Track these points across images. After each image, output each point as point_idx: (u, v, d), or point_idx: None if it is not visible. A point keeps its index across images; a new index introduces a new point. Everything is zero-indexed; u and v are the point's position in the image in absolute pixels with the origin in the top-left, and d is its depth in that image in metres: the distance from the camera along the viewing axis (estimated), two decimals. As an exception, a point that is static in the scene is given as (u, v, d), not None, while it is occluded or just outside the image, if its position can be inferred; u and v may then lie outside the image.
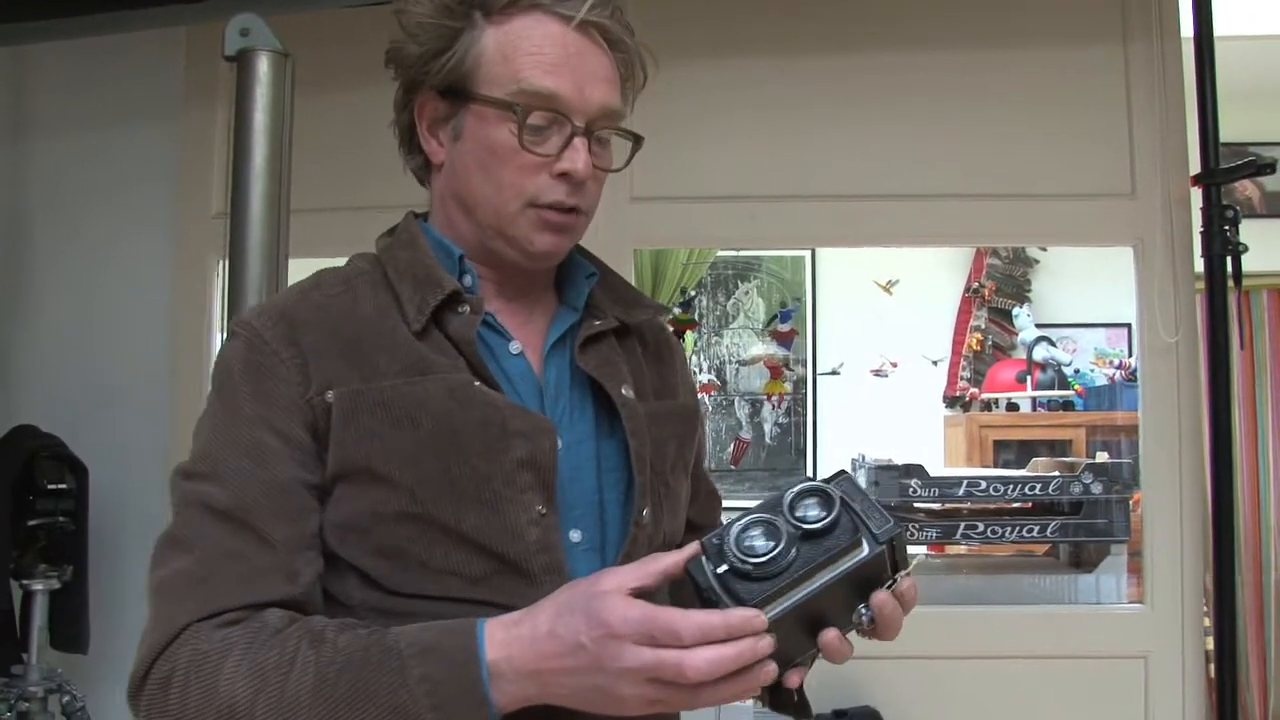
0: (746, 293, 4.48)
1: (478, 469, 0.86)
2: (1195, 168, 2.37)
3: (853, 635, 0.81)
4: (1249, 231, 2.32)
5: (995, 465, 3.79)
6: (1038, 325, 4.29)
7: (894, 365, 4.39)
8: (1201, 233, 2.33)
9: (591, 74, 0.91)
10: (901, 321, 4.38)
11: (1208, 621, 2.41)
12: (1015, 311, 4.36)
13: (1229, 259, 2.28)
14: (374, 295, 0.93)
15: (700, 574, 0.77)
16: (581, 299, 1.00)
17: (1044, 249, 4.37)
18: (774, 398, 4.40)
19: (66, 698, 2.28)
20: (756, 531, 0.77)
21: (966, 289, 4.45)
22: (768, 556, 0.75)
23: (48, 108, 2.66)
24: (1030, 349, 4.20)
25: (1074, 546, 2.63)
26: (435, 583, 0.85)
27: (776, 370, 4.41)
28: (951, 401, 4.37)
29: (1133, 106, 2.46)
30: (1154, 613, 2.38)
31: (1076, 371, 4.26)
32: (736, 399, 4.42)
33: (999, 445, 3.93)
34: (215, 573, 0.82)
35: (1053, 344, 4.23)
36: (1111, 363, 4.30)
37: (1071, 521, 2.51)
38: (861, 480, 2.59)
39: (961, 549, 2.97)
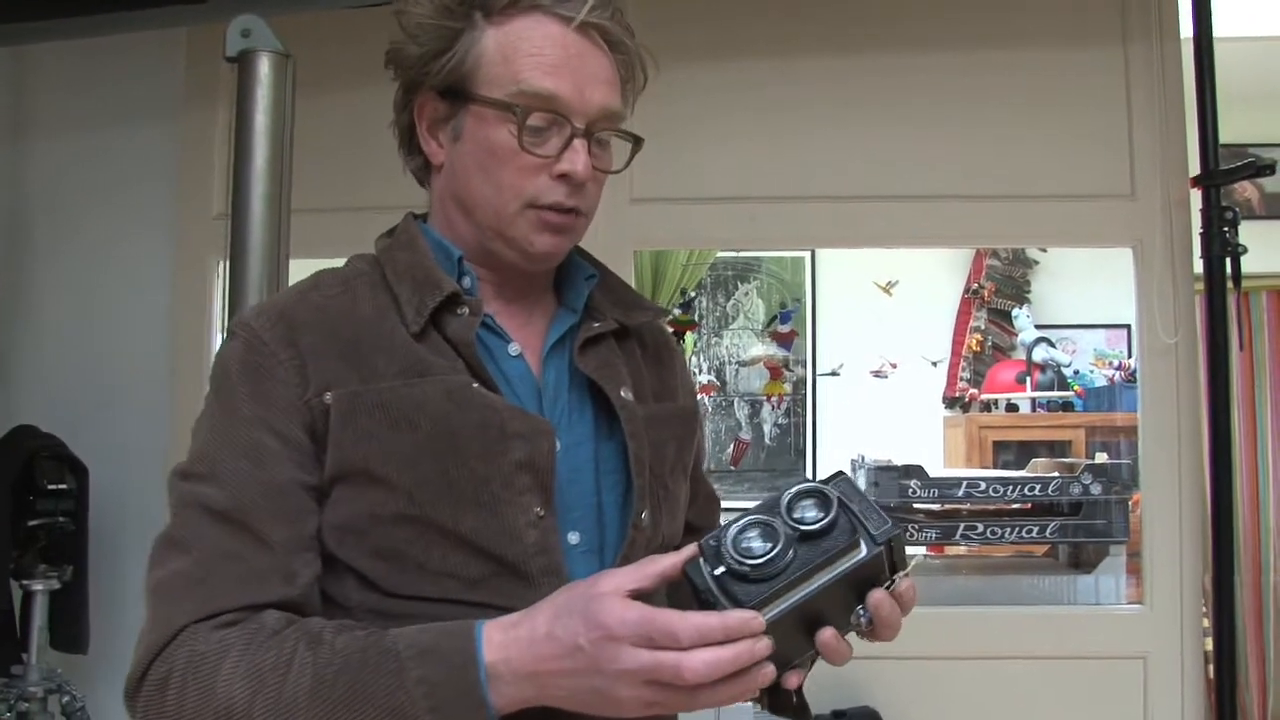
0: (746, 294, 4.48)
1: (476, 471, 0.86)
2: (1195, 169, 2.37)
3: (851, 636, 0.81)
4: (1248, 233, 2.32)
5: (995, 466, 3.79)
6: (1037, 326, 4.29)
7: (893, 366, 4.39)
8: (1201, 234, 2.33)
9: (591, 75, 0.91)
10: (901, 322, 4.38)
11: (1207, 622, 2.41)
12: (1015, 312, 4.36)
13: (1228, 260, 2.28)
14: (373, 296, 0.93)
15: (698, 576, 0.77)
16: (581, 301, 1.00)
17: (1043, 250, 4.37)
18: (773, 398, 4.40)
19: (66, 698, 2.28)
20: (754, 533, 0.77)
21: (966, 290, 4.45)
22: (765, 558, 0.75)
23: (48, 108, 2.66)
24: (1030, 350, 4.20)
25: (1073, 547, 2.63)
26: (433, 584, 0.85)
27: (776, 371, 4.41)
28: (951, 402, 4.37)
29: (1132, 108, 2.46)
30: (1153, 613, 2.38)
31: (1076, 372, 4.26)
32: (736, 400, 4.42)
33: (998, 446, 3.93)
34: (213, 574, 0.82)
35: (1052, 345, 4.23)
36: (1111, 364, 4.30)
37: (1071, 522, 2.51)
38: (861, 481, 2.59)
39: (961, 550, 2.97)
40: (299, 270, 1.22)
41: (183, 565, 0.83)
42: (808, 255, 4.44)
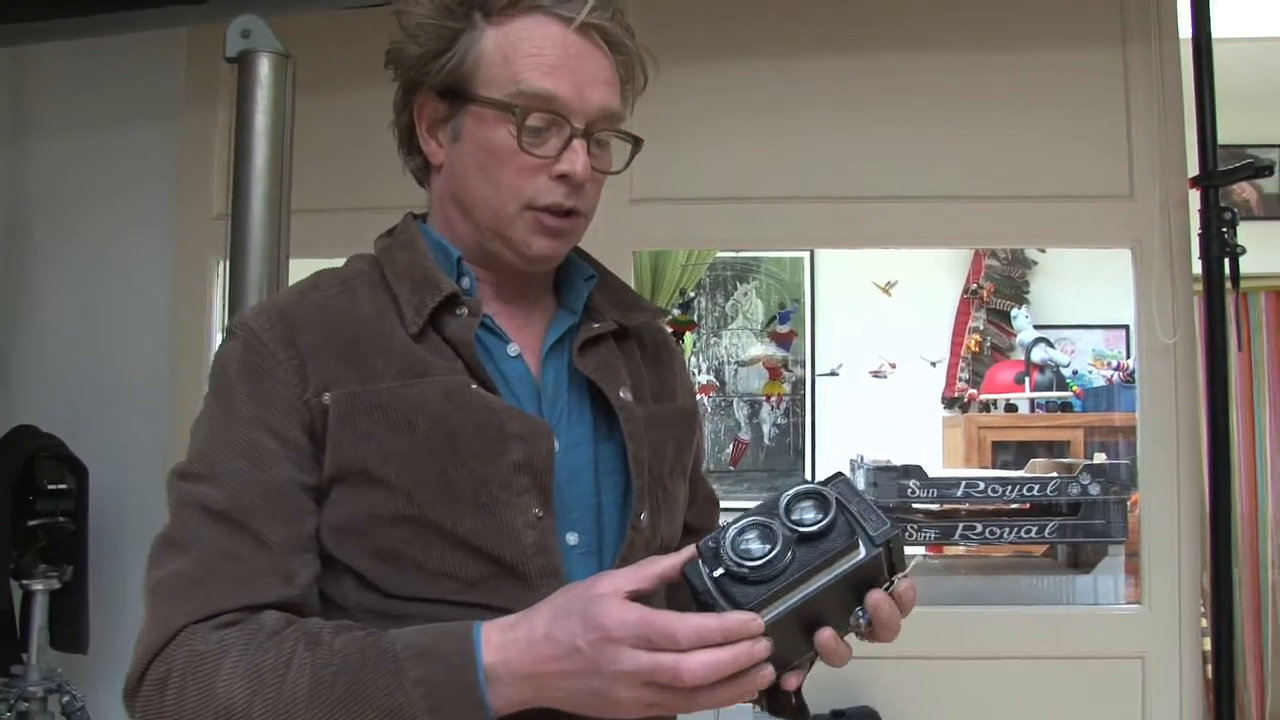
0: (745, 294, 4.48)
1: (474, 472, 0.86)
2: (1193, 170, 2.37)
3: (851, 637, 0.81)
4: (1246, 233, 2.32)
5: (993, 466, 3.79)
6: (1036, 326, 4.30)
7: (892, 366, 4.39)
8: (1199, 235, 2.33)
9: (591, 76, 0.91)
10: (900, 323, 4.39)
11: (1205, 622, 2.41)
12: (1014, 313, 4.36)
13: (1227, 261, 2.28)
14: (372, 296, 0.93)
15: (696, 577, 0.77)
16: (580, 301, 1.00)
17: (1042, 250, 4.38)
18: (773, 399, 4.40)
19: (66, 698, 2.28)
20: (752, 534, 0.76)
21: (965, 290, 4.45)
22: (764, 560, 0.75)
23: (48, 108, 2.66)
24: (1028, 350, 4.20)
25: (1072, 547, 2.63)
26: (432, 585, 0.85)
27: (775, 371, 4.41)
28: (950, 402, 4.37)
29: (1131, 108, 2.46)
30: (1151, 613, 2.38)
31: (1075, 373, 4.26)
32: (735, 400, 4.43)
33: (997, 446, 3.93)
34: (212, 574, 0.82)
35: (1051, 345, 4.23)
36: (1109, 364, 4.30)
37: (1069, 522, 2.51)
38: (860, 481, 2.59)
39: (959, 550, 2.98)
40: (299, 270, 1.22)
41: (182, 565, 0.83)
42: (807, 255, 4.44)
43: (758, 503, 0.79)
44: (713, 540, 0.77)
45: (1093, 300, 4.30)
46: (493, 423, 0.87)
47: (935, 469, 2.75)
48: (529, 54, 0.90)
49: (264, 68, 1.73)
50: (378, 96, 1.03)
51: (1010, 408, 4.13)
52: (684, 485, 1.03)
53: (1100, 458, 3.55)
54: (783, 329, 4.43)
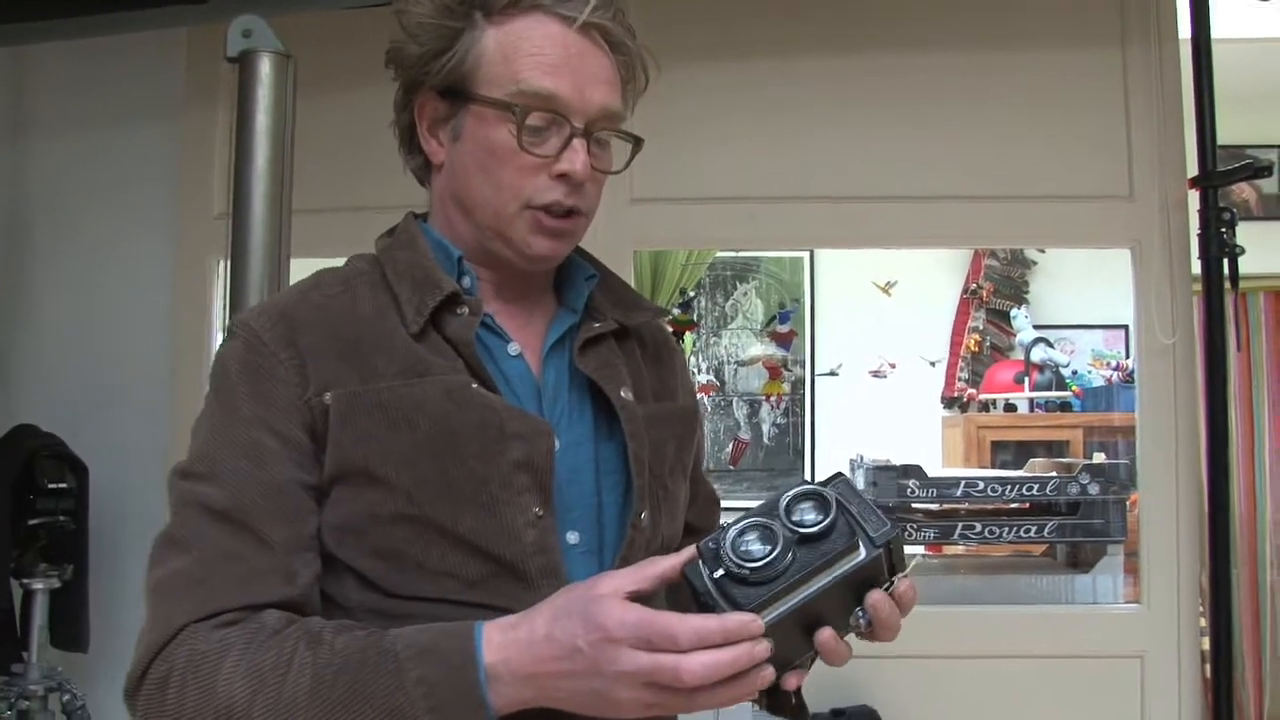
0: (745, 294, 4.48)
1: (475, 471, 0.86)
2: (1193, 170, 2.37)
3: (851, 637, 0.81)
4: (1246, 234, 2.32)
5: (993, 466, 3.80)
6: (1035, 326, 4.30)
7: (892, 366, 4.39)
8: (1199, 235, 2.33)
9: (592, 75, 0.91)
10: (900, 322, 4.39)
11: (1204, 621, 2.41)
12: (1013, 313, 4.36)
13: (1226, 261, 2.28)
14: (373, 296, 0.93)
15: (697, 578, 0.77)
16: (581, 301, 1.00)
17: (1042, 251, 4.38)
18: (772, 398, 4.40)
19: (66, 696, 2.28)
20: (752, 535, 0.76)
21: (965, 290, 4.45)
22: (764, 561, 0.75)
23: (48, 108, 2.66)
24: (1028, 350, 4.20)
25: (1071, 547, 2.63)
26: (432, 584, 0.85)
27: (775, 371, 4.41)
28: (949, 402, 4.37)
29: (1131, 109, 2.46)
30: (1150, 613, 2.38)
31: (1074, 373, 4.26)
32: (735, 399, 4.43)
33: (997, 446, 3.93)
34: (213, 573, 0.82)
35: (1050, 345, 4.23)
36: (1109, 364, 4.31)
37: (1068, 522, 2.51)
38: (860, 481, 2.60)
39: (959, 549, 2.98)
40: (299, 270, 1.23)
41: (183, 564, 0.83)
42: (807, 255, 4.44)
43: (758, 503, 0.79)
44: (713, 541, 0.77)
45: (1092, 300, 4.31)
46: (493, 422, 0.87)
47: (935, 469, 2.75)
48: (529, 53, 0.90)
49: (265, 67, 1.73)
50: (378, 96, 1.03)
51: (1010, 408, 4.13)
52: (685, 485, 1.03)
53: (1099, 457, 3.56)
54: (782, 329, 4.43)
